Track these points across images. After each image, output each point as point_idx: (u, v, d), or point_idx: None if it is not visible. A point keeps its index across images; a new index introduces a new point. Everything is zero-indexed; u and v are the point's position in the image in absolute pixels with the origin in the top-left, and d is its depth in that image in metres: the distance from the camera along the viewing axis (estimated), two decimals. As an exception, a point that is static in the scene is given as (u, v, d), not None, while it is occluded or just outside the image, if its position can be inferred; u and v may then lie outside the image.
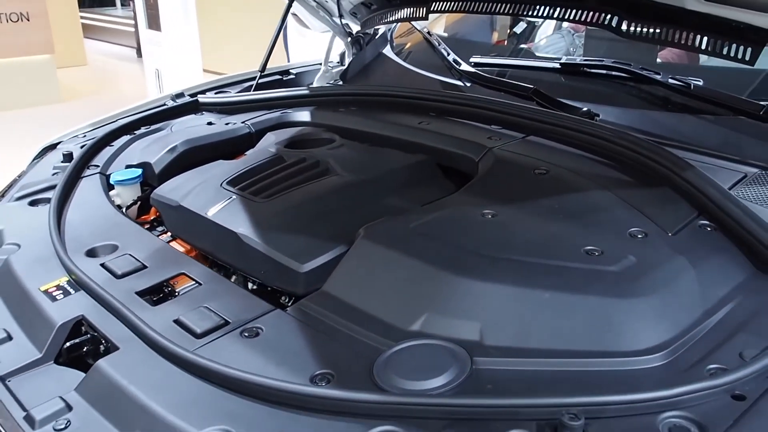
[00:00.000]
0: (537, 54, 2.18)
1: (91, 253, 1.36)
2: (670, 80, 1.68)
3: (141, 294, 1.22)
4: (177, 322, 1.11)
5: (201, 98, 2.14)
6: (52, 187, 1.63)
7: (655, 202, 1.30)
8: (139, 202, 1.69)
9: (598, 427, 0.81)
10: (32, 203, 1.59)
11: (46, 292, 1.22)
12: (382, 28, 2.50)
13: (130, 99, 2.13)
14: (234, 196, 1.46)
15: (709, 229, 1.23)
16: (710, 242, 1.19)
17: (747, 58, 1.44)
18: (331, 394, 0.89)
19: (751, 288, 1.08)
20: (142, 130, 1.98)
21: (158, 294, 1.24)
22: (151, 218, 1.64)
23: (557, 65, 1.91)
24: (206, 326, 1.09)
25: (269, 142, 1.79)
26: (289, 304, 1.23)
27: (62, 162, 1.76)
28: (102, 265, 1.30)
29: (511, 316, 1.01)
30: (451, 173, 1.62)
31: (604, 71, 1.83)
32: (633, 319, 0.99)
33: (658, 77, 1.70)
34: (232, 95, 2.20)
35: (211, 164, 1.72)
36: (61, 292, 1.22)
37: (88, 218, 1.50)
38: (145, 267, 1.29)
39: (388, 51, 2.51)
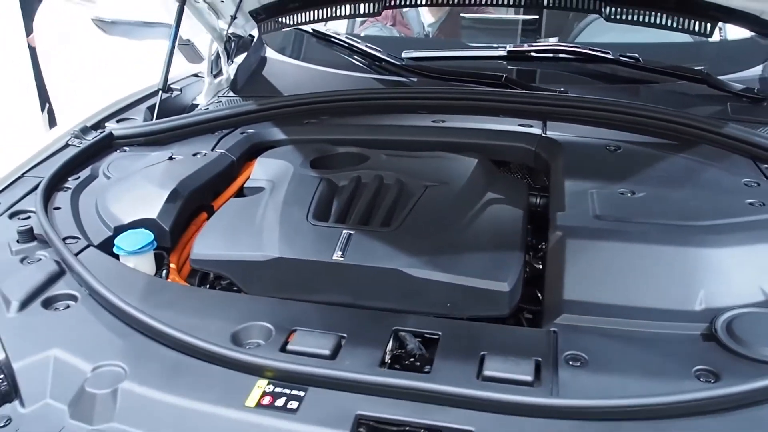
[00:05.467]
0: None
1: (238, 340, 1.04)
2: (620, 57, 1.96)
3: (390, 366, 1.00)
4: (491, 379, 0.95)
5: (114, 131, 1.70)
6: (54, 279, 1.17)
7: (719, 158, 1.55)
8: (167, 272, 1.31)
9: None
10: (46, 304, 1.11)
11: (260, 406, 0.91)
12: (256, 32, 2.29)
13: None
14: (348, 232, 1.26)
15: None
16: None
17: (707, 31, 1.79)
18: None
19: None
20: (70, 181, 1.50)
21: (406, 359, 1.03)
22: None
23: (504, 53, 2.04)
24: (522, 373, 0.95)
25: (281, 168, 1.54)
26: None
27: (21, 243, 1.25)
28: (285, 350, 1.01)
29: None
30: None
31: (551, 54, 2.03)
32: None
33: (609, 55, 1.97)
34: (150, 123, 1.79)
35: (231, 205, 1.45)
36: (284, 398, 0.92)
37: (160, 303, 1.12)
38: (342, 337, 1.04)
39: (276, 55, 2.32)
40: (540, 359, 0.98)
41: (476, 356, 0.99)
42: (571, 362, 0.98)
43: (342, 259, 1.21)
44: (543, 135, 1.65)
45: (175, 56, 2.06)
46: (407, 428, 0.89)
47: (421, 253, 1.21)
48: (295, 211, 1.35)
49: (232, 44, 2.26)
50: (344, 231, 1.27)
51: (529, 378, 0.95)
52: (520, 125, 1.70)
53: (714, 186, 1.40)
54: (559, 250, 1.20)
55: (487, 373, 0.96)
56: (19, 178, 1.51)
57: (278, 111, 1.82)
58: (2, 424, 0.92)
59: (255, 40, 2.31)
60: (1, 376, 0.97)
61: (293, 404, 0.91)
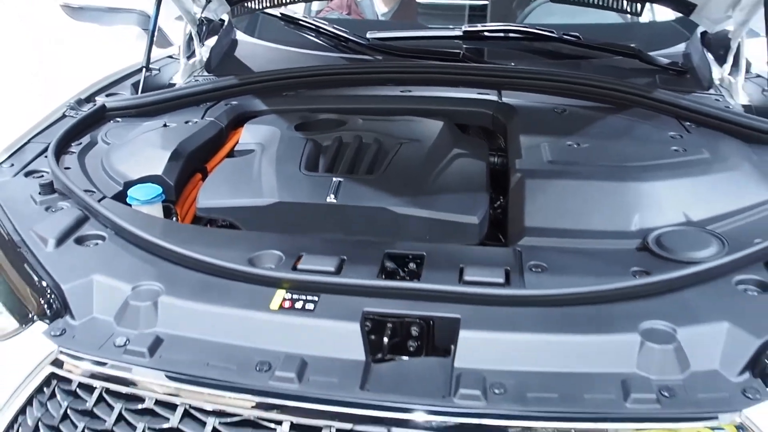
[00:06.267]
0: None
1: (253, 264, 1.23)
2: (563, 36, 2.22)
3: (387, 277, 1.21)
4: (470, 282, 1.16)
5: (107, 103, 1.86)
6: (83, 220, 1.34)
7: (649, 117, 1.81)
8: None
9: None
10: (78, 242, 1.28)
11: (283, 308, 1.10)
12: (226, 17, 2.46)
13: None
14: (338, 179, 1.47)
15: (694, 126, 1.78)
16: (709, 132, 1.74)
17: (638, 11, 2.08)
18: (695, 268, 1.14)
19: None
20: (73, 147, 1.66)
21: (398, 274, 1.23)
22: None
23: (460, 33, 2.28)
24: (495, 276, 1.17)
25: (269, 132, 1.73)
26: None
27: (43, 195, 1.41)
28: (296, 269, 1.20)
29: (693, 195, 1.40)
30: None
31: (503, 34, 2.27)
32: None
33: (553, 34, 2.22)
34: (140, 96, 1.95)
35: (227, 163, 1.65)
36: (301, 302, 1.11)
37: (180, 239, 1.30)
38: (343, 259, 1.24)
39: (246, 37, 2.50)
40: (509, 268, 1.21)
41: (456, 268, 1.21)
42: (533, 269, 1.21)
43: (335, 201, 1.41)
44: (499, 101, 1.89)
45: (143, 41, 2.22)
46: (406, 319, 1.10)
47: (403, 195, 1.43)
48: (287, 164, 1.54)
49: (203, 28, 2.42)
50: (334, 178, 1.47)
51: (501, 280, 1.17)
52: (478, 94, 1.94)
53: (645, 138, 1.67)
54: (519, 188, 1.44)
55: (467, 278, 1.17)
56: (26, 143, 1.66)
57: (259, 85, 2.01)
58: (59, 333, 1.09)
59: (225, 23, 2.48)
60: (53, 295, 1.14)
61: (310, 306, 1.11)
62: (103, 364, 1.04)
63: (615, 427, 0.95)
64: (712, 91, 2.06)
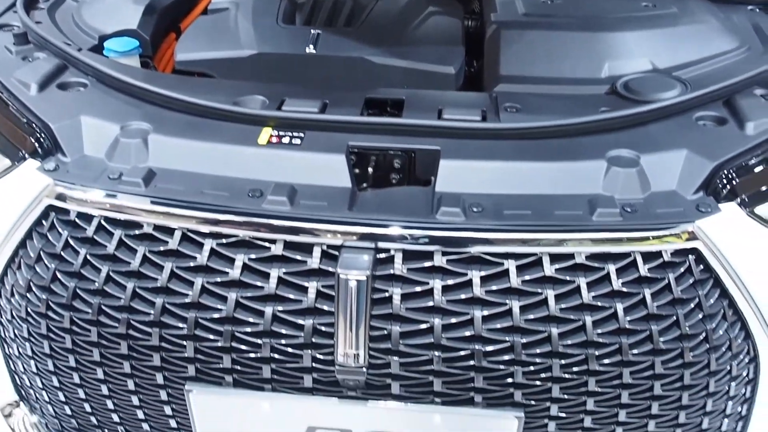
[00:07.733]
0: None
1: (239, 104, 1.27)
2: None
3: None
4: (449, 120, 1.23)
5: None
6: (63, 68, 1.35)
7: None
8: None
9: None
10: (61, 87, 1.30)
11: (271, 143, 1.16)
12: None
13: None
14: (316, 32, 1.50)
15: None
16: None
17: None
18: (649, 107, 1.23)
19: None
20: (42, 3, 1.64)
21: (379, 110, 1.30)
22: None
23: None
24: (473, 115, 1.25)
25: None
26: None
27: (18, 45, 1.41)
28: (282, 108, 1.25)
29: (661, 45, 1.47)
30: None
31: None
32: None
33: None
34: None
35: (203, 19, 1.66)
36: (288, 138, 1.18)
37: (163, 85, 1.33)
38: (326, 102, 1.29)
39: None
40: (485, 109, 1.28)
41: (435, 110, 1.27)
42: (508, 109, 1.28)
43: (314, 51, 1.45)
44: None
45: None
46: (389, 152, 1.18)
47: (381, 46, 1.47)
48: (264, 18, 1.56)
49: None
50: (313, 30, 1.50)
51: (478, 118, 1.24)
52: None
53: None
54: (495, 39, 1.49)
55: (445, 116, 1.24)
56: None
57: None
58: (53, 168, 1.14)
59: None
60: (43, 134, 1.18)
61: (297, 141, 1.17)
62: (100, 194, 1.10)
63: (582, 237, 1.05)
64: None
